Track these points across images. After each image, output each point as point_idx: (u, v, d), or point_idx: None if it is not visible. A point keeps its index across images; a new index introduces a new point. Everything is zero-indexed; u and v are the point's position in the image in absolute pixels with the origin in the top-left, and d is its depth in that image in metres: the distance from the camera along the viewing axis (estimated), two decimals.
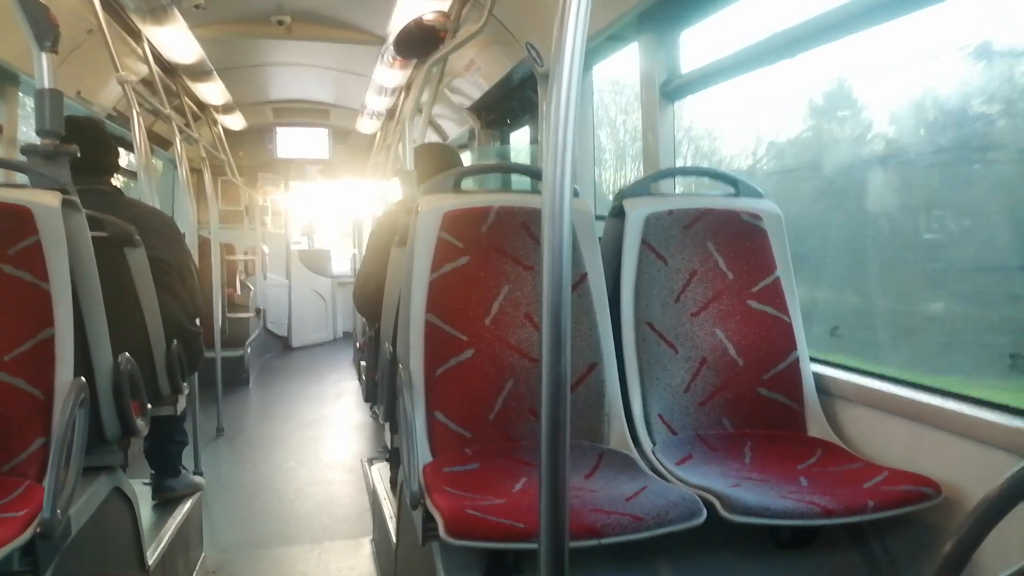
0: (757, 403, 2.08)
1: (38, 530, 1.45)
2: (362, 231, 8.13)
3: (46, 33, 1.73)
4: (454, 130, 6.05)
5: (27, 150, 1.78)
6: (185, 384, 2.78)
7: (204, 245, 5.34)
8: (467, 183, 2.17)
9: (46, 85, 1.75)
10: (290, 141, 8.29)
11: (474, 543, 1.45)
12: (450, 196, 2.08)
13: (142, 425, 2.10)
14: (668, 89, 2.73)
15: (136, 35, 3.92)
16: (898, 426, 1.83)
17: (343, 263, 9.60)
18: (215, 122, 6.68)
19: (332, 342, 9.48)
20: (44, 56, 1.75)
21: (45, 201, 1.73)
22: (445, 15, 3.36)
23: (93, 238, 1.91)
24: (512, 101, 4.67)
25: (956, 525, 0.96)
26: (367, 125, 7.16)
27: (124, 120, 4.60)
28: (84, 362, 1.85)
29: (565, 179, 1.03)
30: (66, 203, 1.77)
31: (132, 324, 2.39)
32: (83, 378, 1.73)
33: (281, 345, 8.96)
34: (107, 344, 1.95)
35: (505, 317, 2.01)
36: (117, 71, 3.16)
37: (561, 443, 1.04)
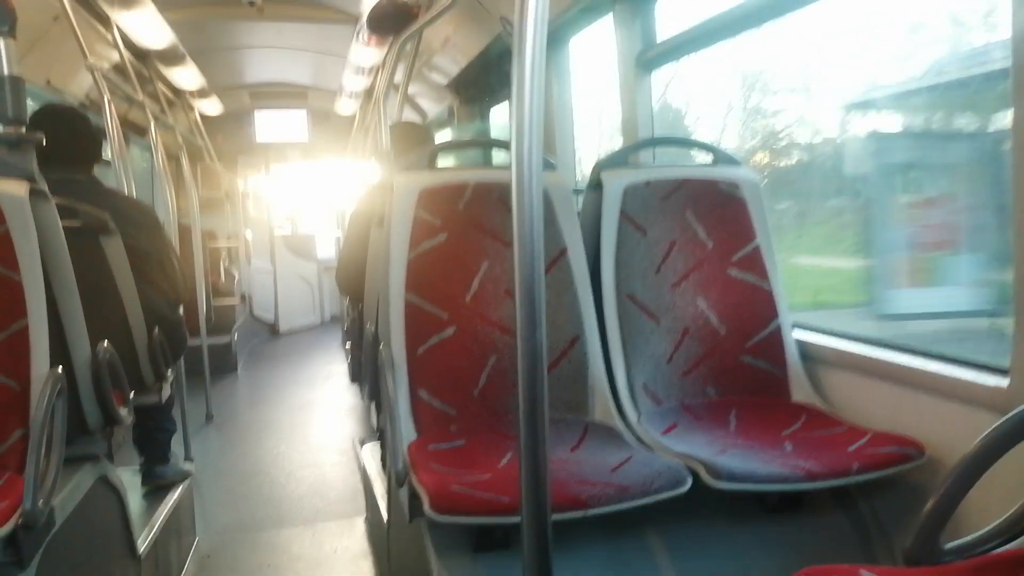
0: (740, 371, 2.08)
1: (20, 521, 1.45)
2: (344, 214, 8.08)
3: (3, 18, 1.69)
4: (433, 108, 6.00)
5: None
6: (169, 372, 2.76)
7: (185, 233, 5.29)
8: (446, 161, 2.15)
9: (6, 72, 1.71)
10: (269, 125, 8.20)
11: (459, 518, 1.45)
12: (426, 173, 2.06)
13: (125, 414, 2.09)
14: (644, 59, 2.71)
15: (105, 21, 3.85)
16: (880, 389, 1.85)
17: (328, 247, 9.54)
18: (191, 108, 6.59)
19: (320, 326, 9.45)
20: (2, 41, 1.71)
21: (11, 190, 1.70)
22: None
23: (67, 228, 1.88)
24: (490, 77, 4.63)
25: (938, 484, 0.96)
26: (346, 106, 7.09)
27: (97, 108, 4.53)
28: (62, 352, 1.83)
29: (534, 149, 1.01)
30: (34, 192, 1.74)
31: (111, 313, 2.37)
32: (60, 368, 1.72)
33: (268, 331, 8.92)
34: (84, 334, 1.93)
35: (485, 293, 2.00)
36: (86, 58, 3.10)
37: (539, 417, 1.03)
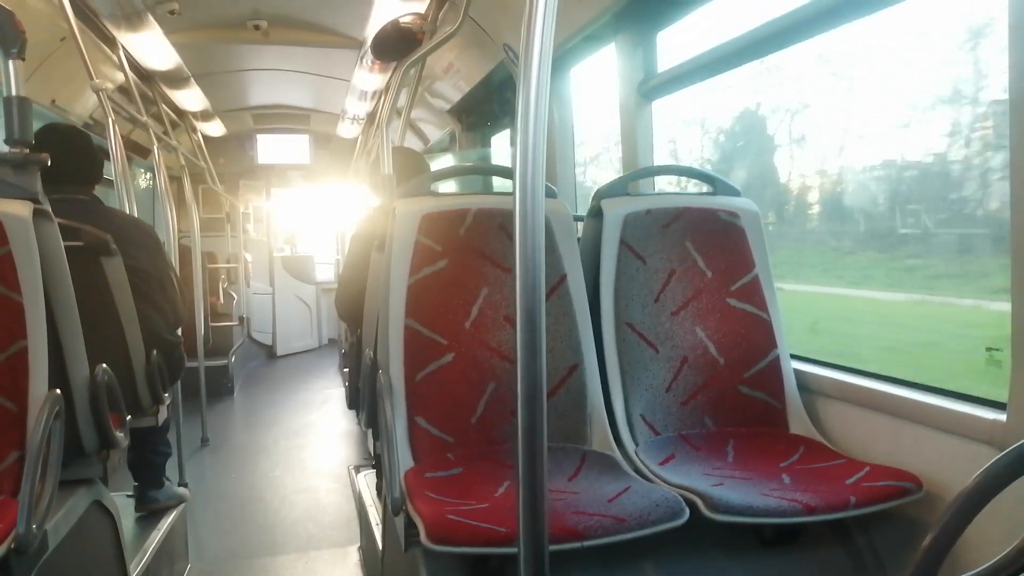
0: (739, 401, 2.08)
1: (12, 546, 1.43)
2: (344, 237, 8.10)
3: (12, 40, 1.70)
4: (435, 133, 6.04)
5: None
6: (167, 394, 2.75)
7: (185, 253, 5.29)
8: (448, 187, 2.16)
9: (14, 93, 1.72)
10: (271, 147, 8.24)
11: (456, 548, 1.44)
12: (427, 199, 2.07)
13: (121, 437, 2.08)
14: (645, 89, 2.73)
15: (111, 42, 3.88)
16: (879, 422, 1.84)
17: (327, 269, 9.55)
18: (194, 129, 6.63)
19: (317, 349, 9.43)
20: (11, 63, 1.73)
21: (15, 211, 1.71)
22: (422, 17, 3.35)
23: (68, 248, 1.88)
24: (492, 103, 4.66)
25: (936, 518, 0.95)
26: (348, 130, 7.14)
27: (101, 128, 4.55)
28: (60, 374, 1.83)
29: (537, 177, 1.02)
30: (37, 213, 1.74)
31: (110, 334, 2.36)
32: (58, 390, 1.71)
33: (266, 353, 8.90)
34: (83, 355, 1.92)
35: (485, 320, 2.00)
36: (91, 79, 3.12)
37: (538, 446, 1.03)
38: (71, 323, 1.87)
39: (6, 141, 1.74)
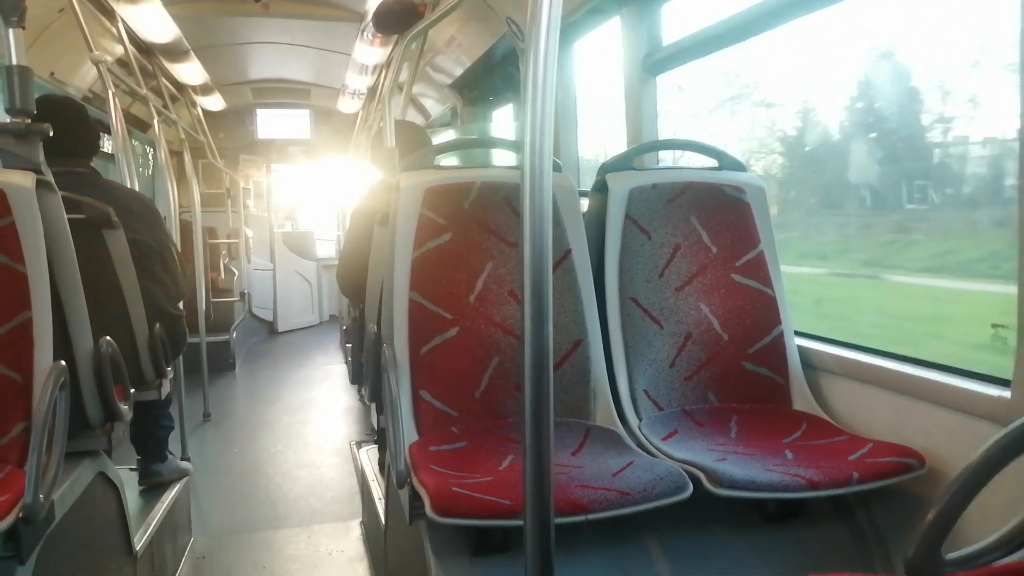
0: (742, 377, 2.08)
1: (20, 515, 1.44)
2: (344, 213, 8.09)
3: (12, 8, 1.68)
4: (436, 108, 6.00)
5: None
6: (169, 368, 2.75)
7: (186, 228, 5.28)
8: (449, 162, 2.15)
9: (15, 62, 1.70)
10: (271, 122, 8.20)
11: (460, 520, 1.45)
12: (431, 172, 2.05)
13: (125, 410, 2.08)
14: (650, 62, 2.71)
15: (110, 14, 3.85)
16: (882, 398, 1.84)
17: (327, 246, 9.54)
18: (194, 103, 6.59)
19: (318, 325, 9.44)
20: (11, 32, 1.71)
21: (18, 181, 1.70)
22: None
23: (71, 220, 1.87)
24: (495, 78, 4.62)
25: (939, 494, 0.96)
26: (348, 105, 7.09)
27: (100, 102, 4.52)
28: (64, 346, 1.83)
29: (544, 152, 1.01)
30: (40, 184, 1.74)
31: (113, 307, 2.36)
32: (63, 362, 1.71)
33: (267, 329, 8.91)
34: (87, 327, 1.92)
35: (489, 294, 1.99)
36: (91, 51, 3.10)
37: (544, 419, 1.03)
38: (75, 295, 1.87)
39: (8, 111, 1.72)
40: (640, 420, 1.97)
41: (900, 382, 1.79)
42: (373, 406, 2.43)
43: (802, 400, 2.04)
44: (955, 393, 1.64)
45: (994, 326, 2.00)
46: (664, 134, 2.80)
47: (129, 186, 3.13)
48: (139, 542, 2.35)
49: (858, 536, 1.77)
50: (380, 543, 2.56)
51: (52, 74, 4.03)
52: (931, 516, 0.98)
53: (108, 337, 1.99)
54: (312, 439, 4.83)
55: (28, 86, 1.72)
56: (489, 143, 3.81)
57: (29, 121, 1.73)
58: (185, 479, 3.15)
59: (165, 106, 5.20)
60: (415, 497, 1.57)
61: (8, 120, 1.73)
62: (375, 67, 5.42)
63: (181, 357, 3.27)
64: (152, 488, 2.96)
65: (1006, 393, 1.51)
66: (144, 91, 4.21)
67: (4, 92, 1.72)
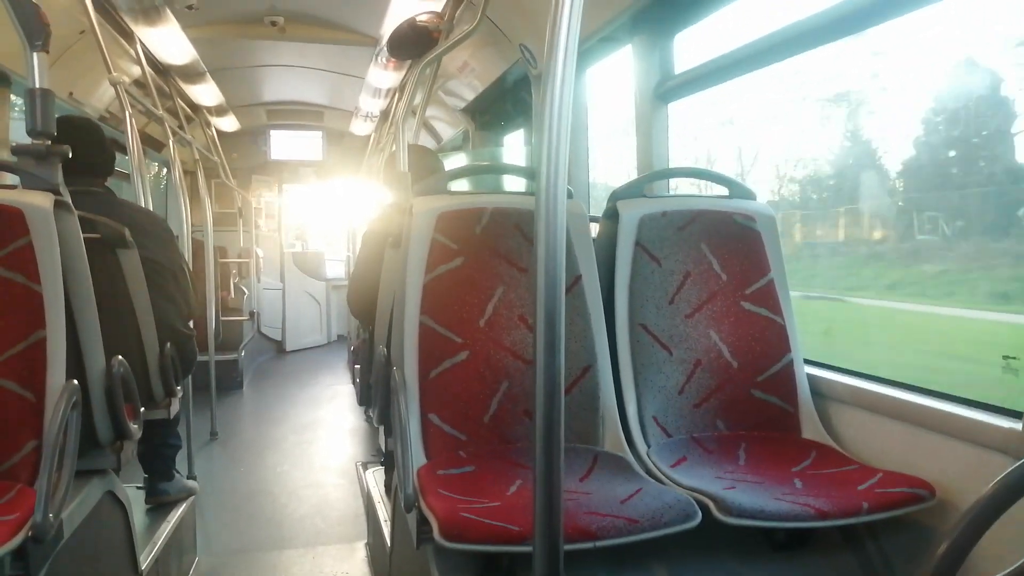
0: (751, 405, 2.08)
1: (29, 534, 1.44)
2: (355, 234, 8.13)
3: (37, 32, 1.71)
4: (448, 132, 6.04)
5: (18, 151, 1.76)
6: (178, 387, 2.76)
7: (197, 247, 5.31)
8: (461, 185, 2.17)
9: (37, 85, 1.73)
10: (284, 143, 8.26)
11: (468, 546, 1.44)
12: (444, 197, 2.07)
13: (135, 428, 2.09)
14: (662, 91, 2.73)
15: (129, 36, 3.90)
16: (892, 428, 1.83)
17: (337, 266, 9.57)
18: (208, 124, 6.65)
19: (326, 345, 9.45)
20: (35, 55, 1.74)
21: (36, 202, 1.72)
22: (438, 16, 3.36)
23: (86, 240, 1.89)
24: (506, 103, 4.66)
25: (950, 527, 0.95)
26: (361, 127, 7.15)
27: (117, 122, 4.58)
28: (76, 364, 1.84)
29: (559, 180, 1.02)
30: (58, 204, 1.76)
31: (125, 326, 2.37)
32: (75, 381, 1.72)
33: (275, 348, 8.93)
34: (100, 346, 1.93)
35: (499, 319, 2.00)
36: (109, 72, 3.14)
37: (555, 445, 1.03)
38: (89, 314, 1.89)
39: (29, 133, 1.75)
40: (649, 447, 1.97)
41: (910, 412, 1.78)
42: (381, 428, 2.43)
43: (811, 428, 2.03)
44: (966, 424, 1.63)
45: (1005, 357, 1.99)
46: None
47: (143, 205, 3.16)
48: (145, 561, 2.35)
49: (867, 566, 1.76)
50: (385, 565, 2.55)
51: (71, 94, 4.08)
52: (942, 549, 0.97)
53: (120, 356, 2.01)
54: (318, 459, 4.83)
55: (50, 108, 1.75)
56: (503, 170, 3.85)
57: (50, 143, 1.76)
58: (191, 498, 3.15)
59: (180, 126, 5.25)
60: (423, 521, 1.57)
61: (29, 141, 1.76)
62: (388, 91, 5.47)
63: (190, 376, 3.28)
64: (158, 507, 2.96)
65: (1017, 425, 1.51)
66: (160, 112, 4.26)
67: (26, 113, 1.75)
